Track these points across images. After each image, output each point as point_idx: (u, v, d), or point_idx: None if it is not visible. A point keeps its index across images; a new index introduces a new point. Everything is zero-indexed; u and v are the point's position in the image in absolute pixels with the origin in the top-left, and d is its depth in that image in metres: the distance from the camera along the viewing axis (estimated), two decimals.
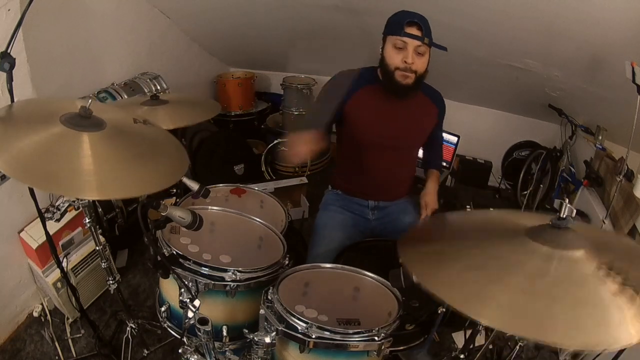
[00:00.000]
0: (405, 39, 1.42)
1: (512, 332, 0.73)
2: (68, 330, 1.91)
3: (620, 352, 1.15)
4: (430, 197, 1.69)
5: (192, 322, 1.05)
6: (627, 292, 0.74)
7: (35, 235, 1.78)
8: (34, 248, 1.77)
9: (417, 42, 1.42)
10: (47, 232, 1.48)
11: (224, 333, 1.24)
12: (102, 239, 1.54)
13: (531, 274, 0.79)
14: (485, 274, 0.81)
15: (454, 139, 3.08)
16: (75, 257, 1.92)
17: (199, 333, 1.06)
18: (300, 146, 1.26)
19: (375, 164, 1.66)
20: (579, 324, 0.71)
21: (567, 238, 0.84)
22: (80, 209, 1.34)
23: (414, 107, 1.61)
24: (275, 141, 3.19)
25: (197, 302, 1.05)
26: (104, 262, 1.49)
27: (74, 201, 1.34)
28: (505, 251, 0.86)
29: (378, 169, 1.67)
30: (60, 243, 1.85)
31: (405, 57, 1.44)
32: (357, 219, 1.76)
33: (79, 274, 1.93)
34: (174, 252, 1.18)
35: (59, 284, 1.85)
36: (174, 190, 2.01)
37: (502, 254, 0.86)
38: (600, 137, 2.48)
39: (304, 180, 2.86)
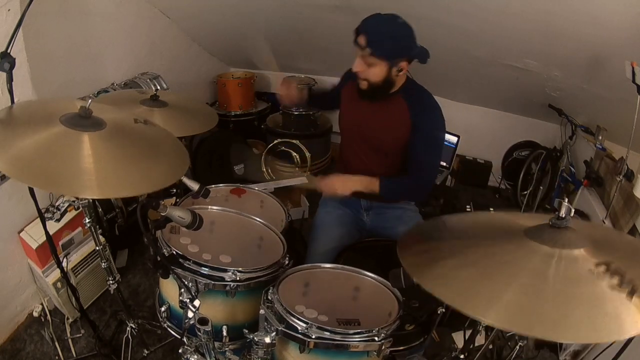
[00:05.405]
0: (355, 46, 1.42)
1: (516, 330, 0.74)
2: (68, 330, 1.91)
3: (622, 350, 1.15)
4: (342, 179, 1.55)
5: (192, 322, 1.05)
6: (624, 289, 0.75)
7: (35, 235, 1.78)
8: (34, 248, 1.77)
9: (362, 52, 1.40)
10: (47, 232, 1.48)
11: (224, 333, 1.25)
12: (102, 239, 1.54)
13: (532, 273, 0.79)
14: (485, 273, 0.82)
15: (454, 139, 3.08)
16: (75, 257, 1.92)
17: (199, 333, 1.06)
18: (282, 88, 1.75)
19: (362, 162, 1.65)
20: (584, 319, 0.72)
21: (566, 237, 0.84)
22: (80, 209, 1.34)
23: (387, 110, 1.56)
24: (276, 141, 3.19)
25: (197, 302, 1.05)
26: (104, 262, 1.49)
27: (73, 201, 1.34)
28: (504, 250, 0.86)
29: (364, 168, 1.62)
30: (60, 243, 1.85)
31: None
32: (354, 217, 1.76)
33: (79, 274, 1.93)
34: (174, 252, 1.18)
35: (59, 284, 1.85)
36: (174, 190, 2.00)
37: (501, 253, 0.86)
38: (600, 137, 2.47)
39: (304, 180, 2.86)
